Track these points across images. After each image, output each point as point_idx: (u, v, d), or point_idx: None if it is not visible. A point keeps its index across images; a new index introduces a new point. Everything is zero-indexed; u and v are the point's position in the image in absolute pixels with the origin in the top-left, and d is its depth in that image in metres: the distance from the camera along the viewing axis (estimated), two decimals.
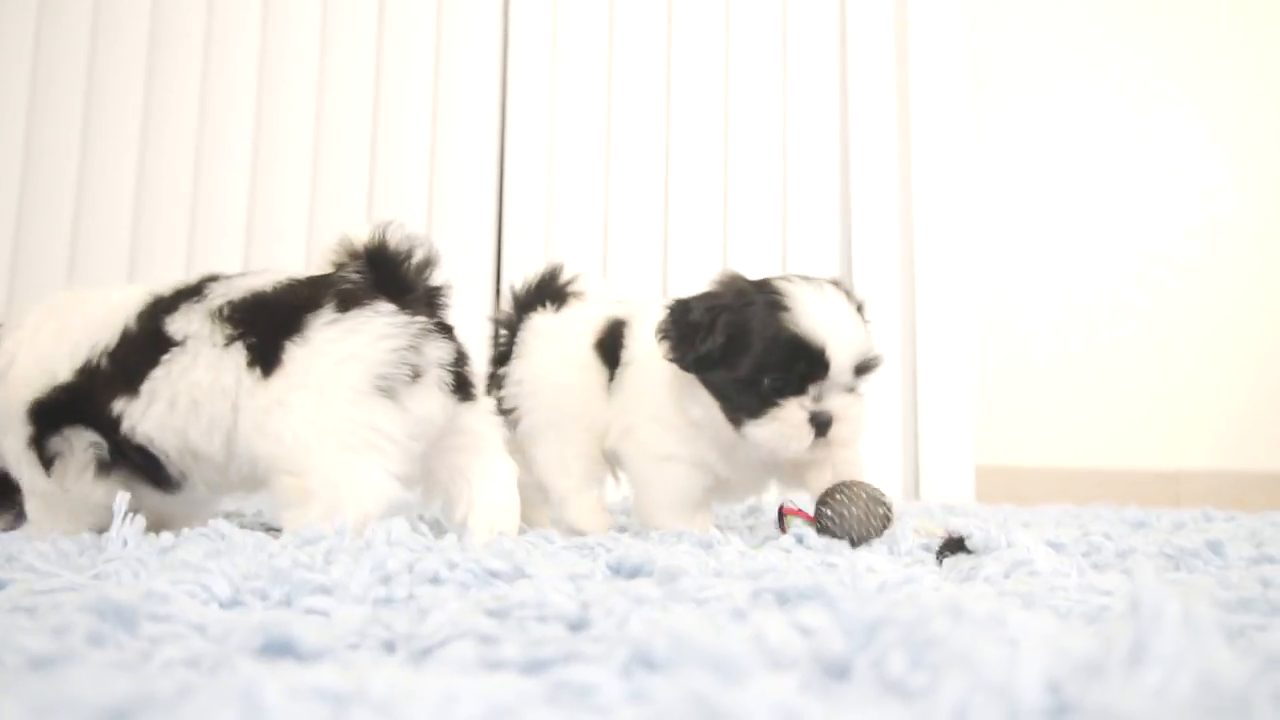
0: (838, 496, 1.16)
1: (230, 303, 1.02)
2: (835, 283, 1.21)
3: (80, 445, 1.04)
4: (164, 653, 0.48)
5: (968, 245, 2.54)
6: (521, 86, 2.45)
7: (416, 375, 0.99)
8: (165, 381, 1.00)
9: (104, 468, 1.04)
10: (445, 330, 1.06)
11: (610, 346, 1.32)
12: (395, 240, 1.06)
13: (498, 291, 2.42)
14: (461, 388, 1.06)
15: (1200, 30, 2.75)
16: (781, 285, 1.17)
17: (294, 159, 2.39)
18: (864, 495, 1.15)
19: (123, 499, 0.90)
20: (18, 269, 2.32)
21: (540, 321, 1.39)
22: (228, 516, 1.34)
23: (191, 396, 1.00)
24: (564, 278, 1.43)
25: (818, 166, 2.47)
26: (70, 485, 1.06)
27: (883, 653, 0.45)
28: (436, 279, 1.08)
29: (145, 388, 1.00)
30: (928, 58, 2.49)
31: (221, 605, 0.61)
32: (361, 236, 1.06)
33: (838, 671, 0.46)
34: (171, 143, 2.36)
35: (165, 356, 1.01)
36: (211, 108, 2.39)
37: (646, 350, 1.26)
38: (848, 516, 1.14)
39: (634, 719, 0.34)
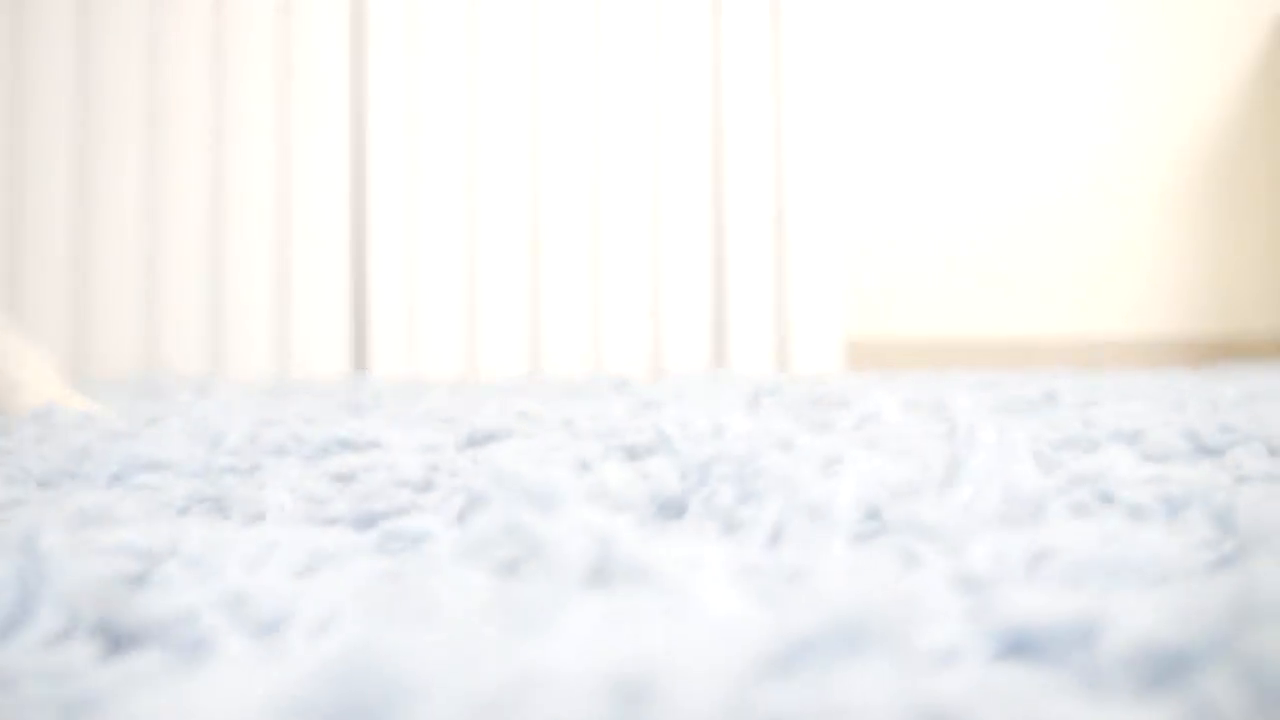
0: None
1: None
2: None
3: None
4: None
5: (839, 117, 2.55)
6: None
7: None
8: None
9: None
10: None
11: None
12: None
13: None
14: None
15: None
16: None
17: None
18: None
19: None
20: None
21: None
22: None
23: None
24: None
25: (687, 40, 2.42)
26: None
27: (714, 489, 0.46)
28: None
29: None
30: None
31: (39, 484, 0.58)
32: None
33: (674, 511, 0.48)
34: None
35: None
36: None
37: None
38: None
39: (451, 553, 0.34)
